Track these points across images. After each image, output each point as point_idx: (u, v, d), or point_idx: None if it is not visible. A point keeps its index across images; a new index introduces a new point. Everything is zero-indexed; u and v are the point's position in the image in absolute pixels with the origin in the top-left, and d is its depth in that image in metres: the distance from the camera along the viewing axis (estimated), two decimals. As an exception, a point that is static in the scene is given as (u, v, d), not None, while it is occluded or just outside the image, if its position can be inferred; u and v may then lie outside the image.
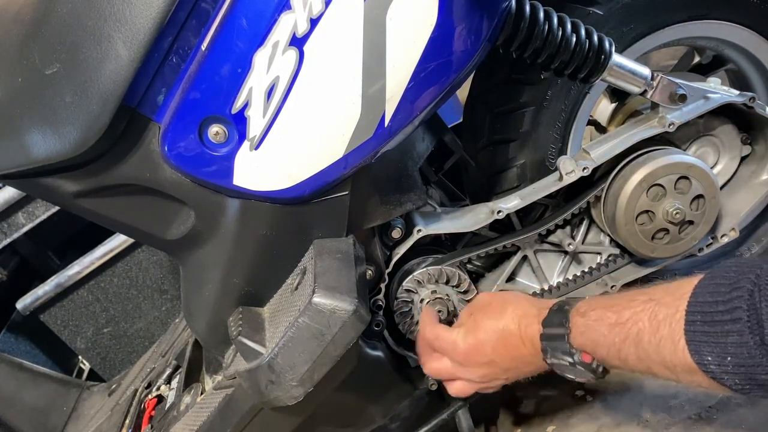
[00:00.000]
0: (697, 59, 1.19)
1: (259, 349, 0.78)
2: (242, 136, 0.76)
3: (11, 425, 1.15)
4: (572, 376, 0.74)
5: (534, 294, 1.05)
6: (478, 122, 1.07)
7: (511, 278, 1.06)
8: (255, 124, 0.76)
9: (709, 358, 0.56)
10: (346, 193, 0.84)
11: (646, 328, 0.62)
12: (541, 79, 0.99)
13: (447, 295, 0.96)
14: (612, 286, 1.03)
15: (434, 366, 0.88)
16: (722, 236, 1.04)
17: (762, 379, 0.53)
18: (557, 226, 1.03)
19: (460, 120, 1.17)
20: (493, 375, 0.82)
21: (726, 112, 1.01)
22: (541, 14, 0.85)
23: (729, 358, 0.54)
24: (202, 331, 0.93)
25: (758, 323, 0.52)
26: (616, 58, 0.91)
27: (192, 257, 0.88)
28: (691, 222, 0.97)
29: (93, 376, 1.72)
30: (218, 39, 0.72)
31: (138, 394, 1.13)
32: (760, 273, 0.54)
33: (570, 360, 0.71)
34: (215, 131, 0.76)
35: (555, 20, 0.86)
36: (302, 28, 0.72)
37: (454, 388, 0.87)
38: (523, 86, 1.01)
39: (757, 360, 0.53)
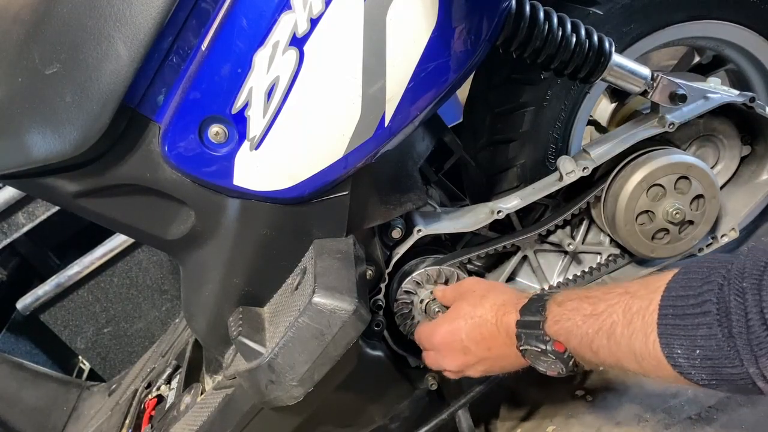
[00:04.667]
0: (697, 59, 1.19)
1: (259, 349, 0.78)
2: (242, 136, 0.76)
3: (11, 425, 1.15)
4: (543, 368, 0.74)
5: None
6: (478, 122, 1.07)
7: (511, 278, 1.06)
8: (255, 124, 0.76)
9: (679, 351, 0.56)
10: (346, 193, 0.84)
11: (619, 320, 0.62)
12: (541, 79, 0.99)
13: None
14: (612, 286, 1.03)
15: (425, 357, 0.91)
16: (722, 236, 1.04)
17: (728, 372, 0.53)
18: (557, 226, 1.03)
19: (460, 120, 1.17)
20: (469, 363, 0.82)
21: (726, 112, 1.01)
22: (541, 14, 0.85)
23: (698, 351, 0.55)
24: (202, 331, 0.93)
25: (726, 316, 0.53)
26: (616, 58, 0.91)
27: (192, 257, 0.88)
28: (691, 222, 0.97)
29: (93, 376, 1.72)
30: (218, 39, 0.72)
31: (138, 394, 1.13)
32: (731, 267, 0.55)
33: (542, 347, 0.71)
34: (215, 131, 0.76)
35: (555, 20, 0.86)
36: (302, 28, 0.72)
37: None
38: (523, 86, 1.01)
39: (724, 352, 0.53)
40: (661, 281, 0.60)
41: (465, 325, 0.81)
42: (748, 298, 0.52)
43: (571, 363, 0.71)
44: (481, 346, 0.80)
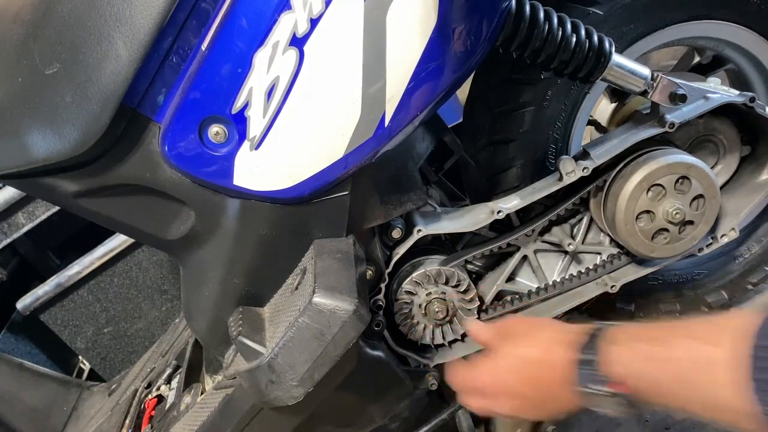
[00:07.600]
0: (697, 59, 1.19)
1: (259, 349, 0.78)
2: (242, 136, 0.76)
3: (11, 425, 1.15)
4: (603, 409, 0.69)
5: (533, 293, 1.05)
6: (478, 122, 1.07)
7: (511, 278, 1.06)
8: (255, 124, 0.76)
9: None
10: (346, 193, 0.84)
11: (694, 368, 0.58)
12: (541, 79, 1.00)
13: (444, 293, 0.97)
14: (612, 286, 1.03)
15: (472, 403, 0.82)
16: (722, 236, 1.04)
17: None
18: (552, 222, 1.02)
19: (460, 120, 1.17)
20: (522, 410, 0.77)
21: (726, 112, 1.01)
22: (541, 14, 0.85)
23: None
24: (202, 331, 0.93)
25: None
26: (616, 58, 0.91)
27: (192, 257, 0.88)
28: (691, 222, 0.97)
29: (93, 376, 1.72)
30: (218, 39, 0.72)
31: (138, 394, 1.13)
32: None
33: (603, 389, 0.67)
34: (215, 131, 0.76)
35: (555, 20, 0.86)
36: (302, 28, 0.72)
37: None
38: (523, 86, 1.01)
39: None
40: (738, 327, 0.55)
41: (517, 371, 0.75)
42: None
43: (635, 405, 0.66)
44: (534, 390, 0.74)
